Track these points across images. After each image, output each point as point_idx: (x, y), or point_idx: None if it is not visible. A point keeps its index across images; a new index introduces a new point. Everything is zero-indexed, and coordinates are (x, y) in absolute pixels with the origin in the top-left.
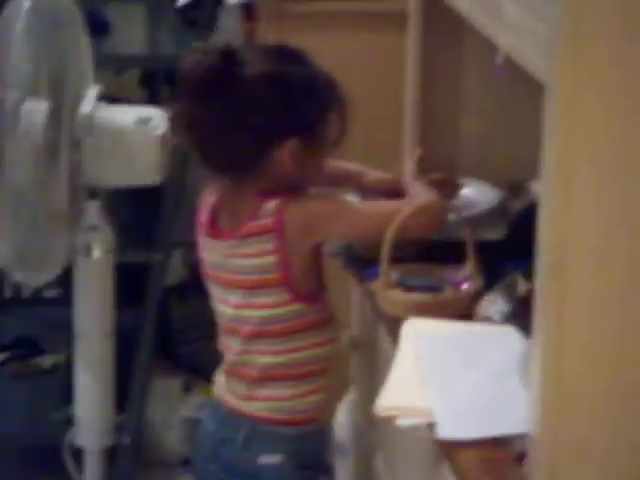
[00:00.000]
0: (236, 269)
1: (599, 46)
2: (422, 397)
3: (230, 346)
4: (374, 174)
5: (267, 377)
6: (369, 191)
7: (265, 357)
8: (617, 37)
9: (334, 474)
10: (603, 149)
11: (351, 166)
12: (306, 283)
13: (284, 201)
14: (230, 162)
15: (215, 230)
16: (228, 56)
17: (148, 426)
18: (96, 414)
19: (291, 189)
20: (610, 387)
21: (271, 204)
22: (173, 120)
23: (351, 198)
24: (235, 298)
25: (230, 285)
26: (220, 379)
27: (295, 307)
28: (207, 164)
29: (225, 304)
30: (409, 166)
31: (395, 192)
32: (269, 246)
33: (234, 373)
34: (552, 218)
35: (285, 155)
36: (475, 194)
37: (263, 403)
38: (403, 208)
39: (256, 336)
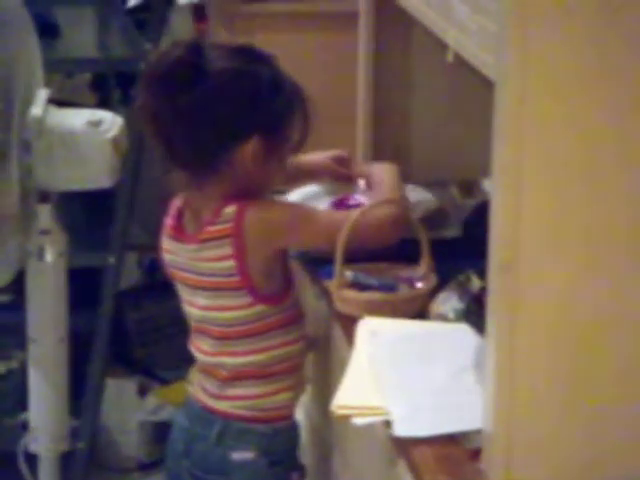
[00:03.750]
0: (200, 271)
1: (547, 42)
2: (377, 396)
3: (201, 347)
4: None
5: (238, 377)
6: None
7: (235, 358)
8: (564, 33)
9: (306, 471)
10: (554, 145)
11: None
12: (269, 285)
13: (243, 206)
14: (193, 157)
15: (180, 233)
16: (195, 49)
17: (103, 431)
18: (51, 419)
19: (252, 192)
20: (564, 383)
21: (230, 209)
22: (138, 111)
23: (315, 204)
24: (202, 300)
25: (196, 287)
26: (193, 377)
27: (259, 309)
28: (171, 159)
29: (193, 306)
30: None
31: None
32: (228, 251)
33: (206, 372)
34: (503, 215)
35: (247, 153)
36: (414, 197)
37: (235, 402)
38: (355, 214)
39: (225, 337)
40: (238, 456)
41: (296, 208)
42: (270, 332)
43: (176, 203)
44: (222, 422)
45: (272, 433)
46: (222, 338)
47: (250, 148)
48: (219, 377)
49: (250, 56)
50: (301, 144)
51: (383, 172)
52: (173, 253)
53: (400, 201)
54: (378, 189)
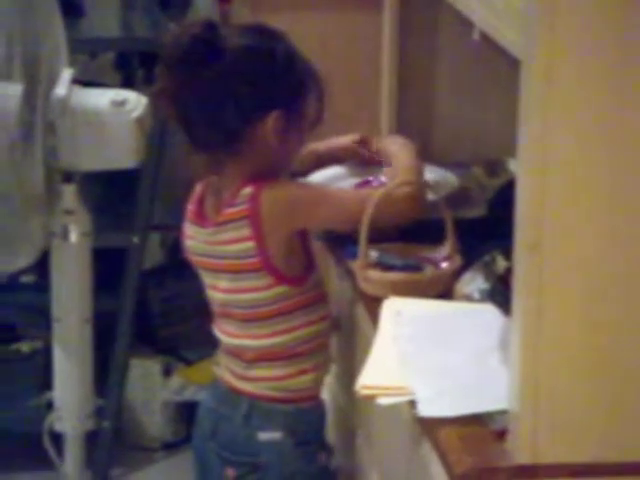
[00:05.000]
0: (220, 254)
1: (575, 20)
2: (402, 375)
3: (225, 329)
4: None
5: (262, 358)
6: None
7: (259, 340)
8: (593, 10)
9: (333, 451)
10: (580, 125)
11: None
12: (289, 265)
13: (259, 187)
14: (213, 137)
15: (200, 217)
16: (210, 28)
17: (128, 410)
18: (75, 399)
19: (272, 171)
20: (591, 363)
21: (247, 190)
22: (157, 95)
23: (338, 186)
24: (223, 283)
25: (217, 270)
26: (220, 358)
27: (280, 290)
28: (192, 141)
29: (215, 290)
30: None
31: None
32: (246, 232)
33: (232, 353)
34: (529, 195)
35: (268, 129)
36: (434, 177)
37: (261, 383)
38: (377, 195)
39: (248, 320)
40: (265, 436)
41: (313, 188)
42: (293, 313)
43: (198, 188)
44: (249, 402)
45: (298, 413)
46: (245, 320)
47: (271, 123)
48: (244, 358)
49: (262, 33)
50: (319, 118)
51: (401, 152)
52: (193, 238)
53: (416, 182)
54: (394, 171)
